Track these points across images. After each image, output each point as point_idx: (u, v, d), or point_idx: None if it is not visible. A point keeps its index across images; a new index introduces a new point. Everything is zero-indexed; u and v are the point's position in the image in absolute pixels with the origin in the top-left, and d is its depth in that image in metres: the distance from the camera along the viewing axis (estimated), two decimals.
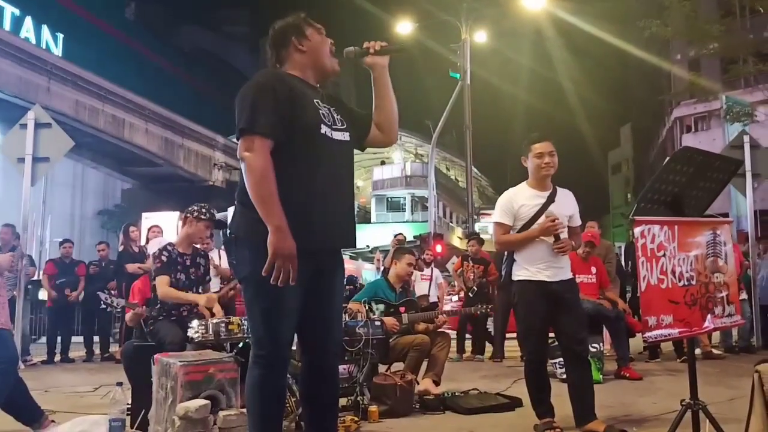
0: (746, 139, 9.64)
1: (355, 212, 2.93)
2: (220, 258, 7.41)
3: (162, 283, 4.68)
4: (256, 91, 2.59)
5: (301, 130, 2.60)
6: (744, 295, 8.45)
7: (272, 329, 2.59)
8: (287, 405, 3.84)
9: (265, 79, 2.65)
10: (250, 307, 2.67)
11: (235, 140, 2.63)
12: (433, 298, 8.97)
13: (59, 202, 33.10)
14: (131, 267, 8.51)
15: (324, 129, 2.66)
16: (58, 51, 27.30)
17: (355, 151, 2.88)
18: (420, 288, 8.62)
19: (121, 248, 9.12)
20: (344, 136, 2.75)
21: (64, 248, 9.75)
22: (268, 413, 2.63)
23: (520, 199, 4.12)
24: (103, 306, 6.80)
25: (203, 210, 4.88)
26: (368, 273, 12.08)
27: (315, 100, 2.70)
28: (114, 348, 9.48)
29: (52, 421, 4.14)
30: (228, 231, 2.72)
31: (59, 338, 9.33)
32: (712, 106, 23.52)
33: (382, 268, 9.29)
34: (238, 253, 2.66)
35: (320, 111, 2.69)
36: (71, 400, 5.54)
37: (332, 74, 2.86)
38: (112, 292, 8.52)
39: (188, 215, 4.89)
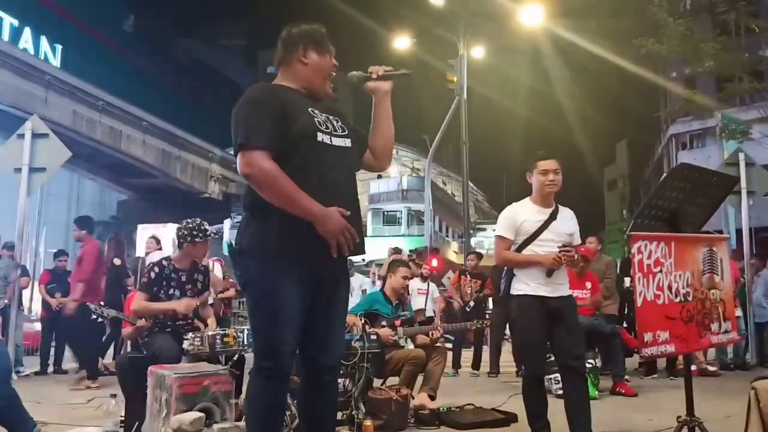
0: (741, 156, 9.70)
1: (362, 219, 2.92)
2: (213, 268, 7.41)
3: (137, 299, 4.64)
4: (249, 106, 2.60)
5: (298, 139, 2.60)
6: (739, 312, 8.47)
7: (274, 339, 2.58)
8: None
9: (256, 93, 2.65)
10: (253, 317, 2.67)
11: (232, 153, 2.62)
12: (429, 313, 8.96)
13: (55, 213, 33.00)
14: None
15: (321, 136, 2.66)
16: (56, 62, 27.36)
17: None
18: (416, 302, 8.60)
19: (118, 262, 9.11)
20: (345, 142, 2.75)
21: (60, 261, 9.71)
22: (268, 425, 2.62)
23: (523, 214, 4.14)
24: (94, 317, 6.74)
25: (195, 232, 4.71)
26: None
27: (310, 109, 2.70)
28: (107, 360, 9.41)
29: None
30: (233, 243, 2.71)
31: (52, 349, 9.27)
32: (708, 123, 23.63)
33: (378, 283, 9.29)
34: (241, 263, 2.66)
35: (315, 119, 2.68)
36: (64, 412, 5.50)
37: (324, 97, 2.84)
38: (101, 303, 8.48)
39: (183, 241, 4.71)
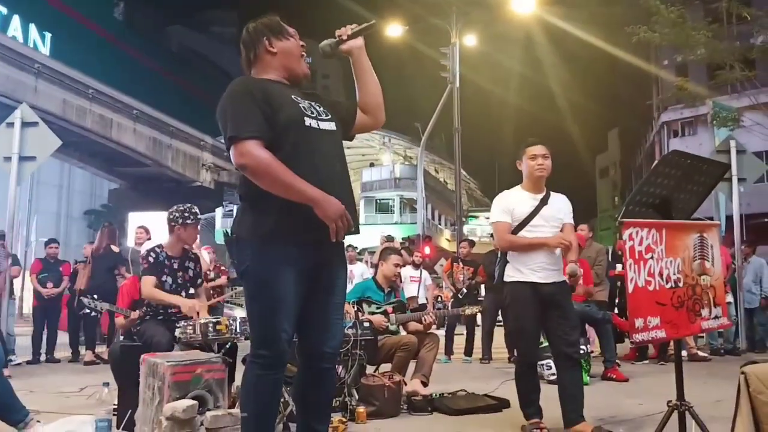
0: (732, 143, 9.75)
1: (355, 200, 2.92)
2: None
3: (147, 283, 4.66)
4: (233, 99, 2.60)
5: (286, 126, 2.60)
6: (729, 298, 8.54)
7: (272, 327, 2.58)
8: None
9: (238, 86, 2.66)
10: (250, 304, 2.67)
11: (223, 141, 2.64)
12: (422, 300, 8.99)
13: (45, 202, 32.88)
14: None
15: (309, 121, 2.67)
16: (45, 50, 27.10)
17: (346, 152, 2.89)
18: (409, 290, 8.62)
19: (117, 250, 9.06)
20: (331, 126, 2.76)
21: (50, 248, 9.68)
22: (263, 413, 2.63)
23: (515, 200, 4.16)
24: (87, 311, 6.73)
25: (186, 214, 4.76)
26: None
27: (292, 96, 2.71)
28: (100, 349, 9.39)
29: (38, 421, 4.10)
30: (230, 231, 2.70)
31: (44, 338, 9.24)
32: (699, 111, 23.68)
33: (372, 270, 9.29)
34: (239, 252, 2.65)
35: (300, 105, 2.70)
36: (57, 401, 5.49)
37: (303, 78, 2.85)
38: (95, 295, 8.44)
39: (174, 224, 4.76)
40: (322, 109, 2.78)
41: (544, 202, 4.13)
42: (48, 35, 27.73)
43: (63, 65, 25.25)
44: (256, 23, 2.83)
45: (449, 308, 9.00)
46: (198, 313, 4.70)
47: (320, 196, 2.48)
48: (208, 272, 8.39)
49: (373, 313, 5.37)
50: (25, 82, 23.11)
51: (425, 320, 5.53)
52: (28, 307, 13.32)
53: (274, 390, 2.68)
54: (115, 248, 9.06)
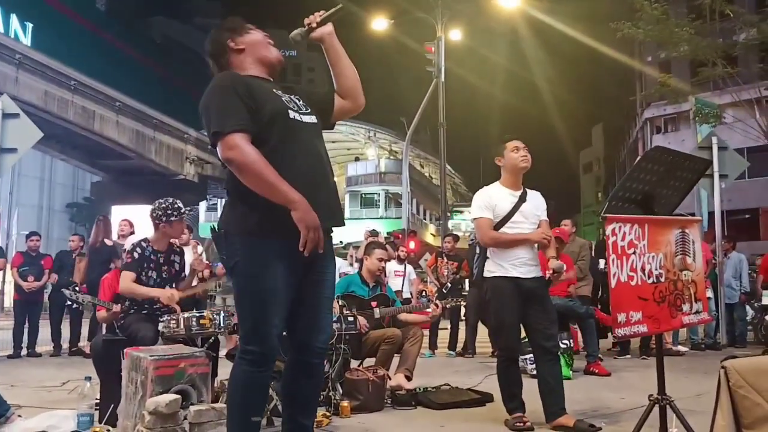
0: (714, 140, 9.84)
1: (339, 194, 2.92)
2: (197, 250, 7.34)
3: (126, 278, 4.59)
4: (216, 94, 2.59)
5: (271, 119, 2.59)
6: (710, 293, 8.63)
7: (262, 322, 2.56)
8: None
9: (221, 81, 2.64)
10: (239, 300, 2.65)
11: (206, 134, 2.62)
12: (406, 294, 9.00)
13: (27, 195, 32.56)
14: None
15: (292, 114, 2.67)
16: (26, 40, 26.80)
17: (329, 146, 2.88)
18: (393, 284, 8.62)
19: (111, 243, 8.96)
20: (312, 119, 2.77)
21: (32, 241, 9.57)
22: (250, 410, 2.61)
23: (496, 196, 4.22)
24: (69, 302, 6.67)
25: (170, 212, 4.69)
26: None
27: (273, 90, 2.72)
28: (82, 342, 9.32)
29: (19, 416, 4.07)
30: (217, 227, 2.68)
31: (26, 332, 9.15)
32: (682, 107, 23.89)
33: (356, 265, 9.27)
34: (227, 246, 2.63)
35: (282, 98, 2.70)
36: (39, 395, 5.45)
37: (278, 63, 2.85)
38: (77, 288, 8.35)
39: (158, 222, 4.69)
40: (301, 102, 2.79)
41: (522, 198, 4.21)
42: (29, 25, 27.43)
43: (44, 56, 24.94)
44: (216, 30, 2.85)
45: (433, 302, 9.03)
46: (179, 303, 4.66)
47: (301, 200, 2.46)
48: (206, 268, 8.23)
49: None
50: (5, 72, 22.82)
51: (434, 308, 5.60)
52: (9, 300, 13.21)
53: (262, 388, 2.66)
54: (108, 241, 8.98)
